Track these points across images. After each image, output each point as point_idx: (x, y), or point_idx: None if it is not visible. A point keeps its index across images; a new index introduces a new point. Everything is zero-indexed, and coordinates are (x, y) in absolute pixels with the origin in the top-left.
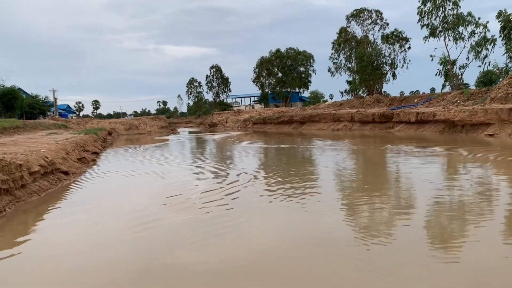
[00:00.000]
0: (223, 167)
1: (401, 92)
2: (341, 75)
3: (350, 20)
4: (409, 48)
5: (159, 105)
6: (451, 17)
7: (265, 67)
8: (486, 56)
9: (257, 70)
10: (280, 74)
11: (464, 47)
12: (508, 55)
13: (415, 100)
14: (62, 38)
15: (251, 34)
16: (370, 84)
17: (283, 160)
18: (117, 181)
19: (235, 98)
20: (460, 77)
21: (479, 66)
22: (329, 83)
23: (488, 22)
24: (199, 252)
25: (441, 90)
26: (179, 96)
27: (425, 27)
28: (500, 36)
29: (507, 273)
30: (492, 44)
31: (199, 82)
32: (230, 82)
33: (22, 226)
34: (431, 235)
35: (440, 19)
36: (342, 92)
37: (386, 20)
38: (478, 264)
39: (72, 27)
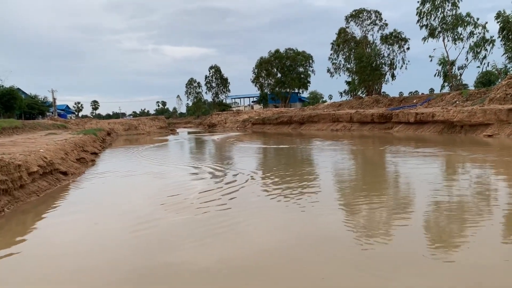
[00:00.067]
0: (221, 168)
1: (400, 92)
2: (340, 75)
3: (349, 21)
4: (408, 48)
5: (158, 106)
6: (450, 18)
7: (264, 67)
8: (485, 57)
9: (256, 70)
10: (279, 75)
11: (463, 47)
12: (507, 55)
13: (414, 101)
14: (61, 38)
15: (251, 34)
16: (369, 84)
17: (282, 161)
18: (116, 182)
19: (234, 98)
20: (459, 77)
21: (478, 66)
22: (328, 83)
23: (487, 22)
24: (196, 252)
25: (440, 91)
26: (178, 96)
27: (424, 27)
28: (499, 36)
29: (506, 273)
30: (491, 44)
31: (198, 83)
32: (229, 83)
33: (21, 226)
34: (430, 235)
35: (439, 20)
36: (341, 93)
37: (385, 20)
38: (478, 264)
39: (72, 27)
